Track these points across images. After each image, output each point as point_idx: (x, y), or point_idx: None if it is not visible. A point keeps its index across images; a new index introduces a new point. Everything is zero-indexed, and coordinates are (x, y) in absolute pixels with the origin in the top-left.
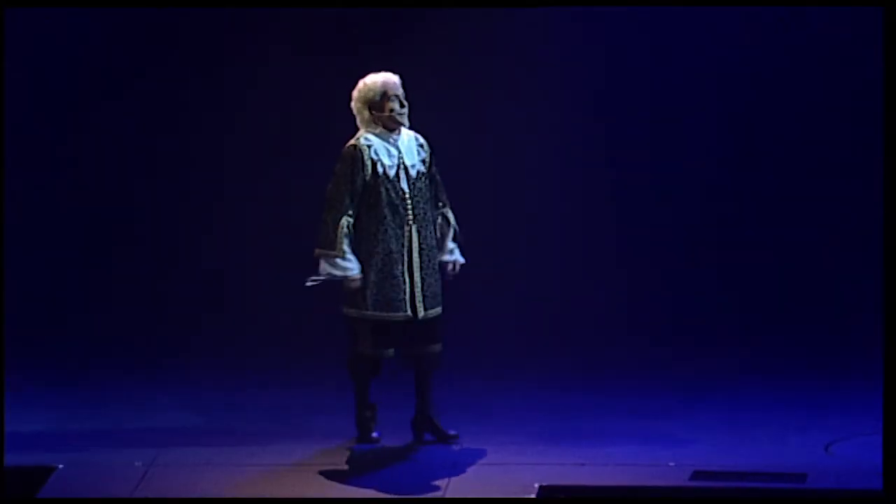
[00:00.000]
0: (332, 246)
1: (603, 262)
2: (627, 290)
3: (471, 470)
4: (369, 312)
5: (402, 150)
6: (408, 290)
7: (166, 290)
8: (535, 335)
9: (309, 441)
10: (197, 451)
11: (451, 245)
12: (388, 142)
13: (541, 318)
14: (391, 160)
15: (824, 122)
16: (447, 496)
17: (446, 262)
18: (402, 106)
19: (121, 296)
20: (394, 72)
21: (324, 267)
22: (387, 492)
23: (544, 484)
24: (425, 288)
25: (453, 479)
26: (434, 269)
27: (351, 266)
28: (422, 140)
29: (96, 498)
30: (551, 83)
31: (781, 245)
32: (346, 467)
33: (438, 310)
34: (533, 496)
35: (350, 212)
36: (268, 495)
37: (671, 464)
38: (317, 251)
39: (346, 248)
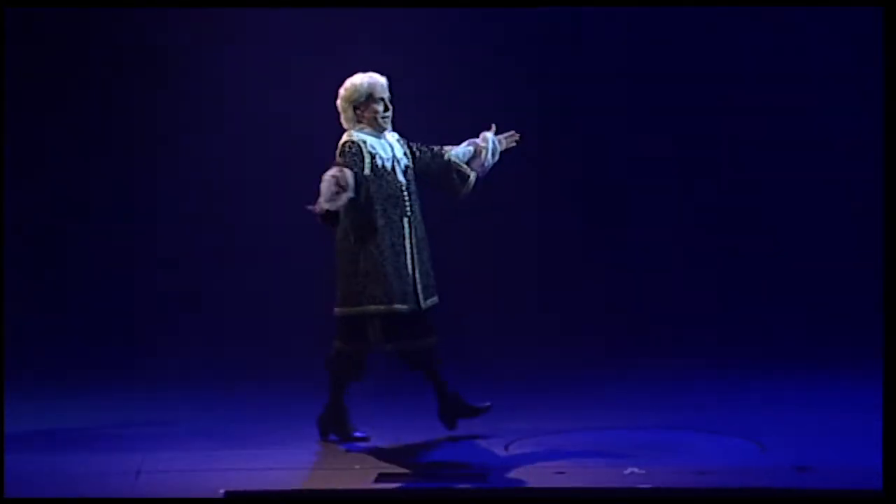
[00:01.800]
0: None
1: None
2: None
3: (157, 475)
4: (391, 306)
5: (392, 145)
6: (411, 281)
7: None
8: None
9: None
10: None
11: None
12: (379, 138)
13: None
14: (386, 153)
15: (824, 121)
16: (135, 496)
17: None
18: (386, 109)
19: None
20: (380, 70)
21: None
22: (63, 494)
23: (230, 489)
24: (422, 279)
25: (140, 482)
26: (426, 260)
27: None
28: (397, 136)
29: (97, 498)
30: (539, 81)
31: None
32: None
33: (436, 299)
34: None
35: (350, 168)
36: None
37: (356, 467)
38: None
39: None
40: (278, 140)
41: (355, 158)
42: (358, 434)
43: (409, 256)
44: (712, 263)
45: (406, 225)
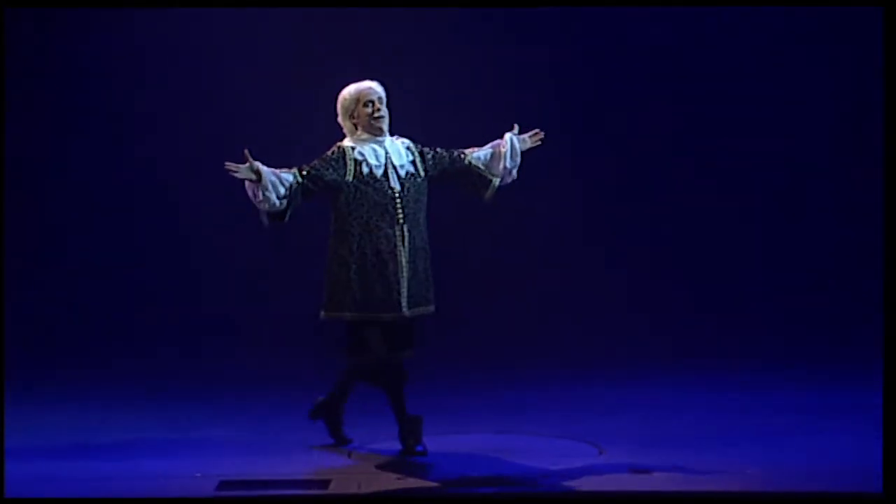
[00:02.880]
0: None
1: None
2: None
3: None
4: (357, 314)
5: (389, 151)
6: (397, 290)
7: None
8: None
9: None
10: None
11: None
12: (375, 144)
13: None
14: (378, 160)
15: (823, 122)
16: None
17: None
18: (377, 110)
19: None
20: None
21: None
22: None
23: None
24: (413, 287)
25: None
26: (422, 269)
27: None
28: (408, 143)
29: (96, 498)
30: (547, 84)
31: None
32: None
33: (430, 308)
34: None
35: (306, 171)
36: None
37: (198, 475)
38: None
39: (272, 171)
40: (280, 140)
41: (332, 163)
42: (419, 448)
43: (398, 265)
44: (712, 264)
45: (397, 233)
